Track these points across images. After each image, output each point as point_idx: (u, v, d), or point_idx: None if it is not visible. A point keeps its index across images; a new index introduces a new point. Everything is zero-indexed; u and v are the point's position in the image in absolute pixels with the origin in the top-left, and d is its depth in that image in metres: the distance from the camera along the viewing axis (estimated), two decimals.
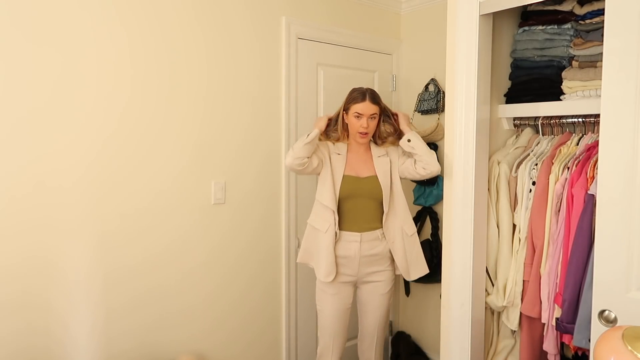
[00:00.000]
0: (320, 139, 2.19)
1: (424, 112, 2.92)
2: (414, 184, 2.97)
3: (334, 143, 2.23)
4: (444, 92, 2.74)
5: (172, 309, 2.25)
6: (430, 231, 2.88)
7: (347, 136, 2.22)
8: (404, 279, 3.01)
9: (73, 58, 1.93)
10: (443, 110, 2.72)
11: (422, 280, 2.87)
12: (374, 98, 2.16)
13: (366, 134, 2.15)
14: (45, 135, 1.89)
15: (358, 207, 2.16)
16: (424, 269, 2.24)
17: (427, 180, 2.82)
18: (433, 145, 2.89)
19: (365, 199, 2.16)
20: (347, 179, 2.16)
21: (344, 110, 2.20)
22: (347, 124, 2.20)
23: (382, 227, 2.18)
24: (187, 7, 2.22)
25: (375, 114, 2.15)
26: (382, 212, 2.18)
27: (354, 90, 2.19)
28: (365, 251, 2.15)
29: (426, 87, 2.92)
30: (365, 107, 2.12)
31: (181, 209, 2.25)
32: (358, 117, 2.13)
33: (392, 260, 2.23)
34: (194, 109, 2.27)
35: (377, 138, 2.24)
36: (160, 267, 2.20)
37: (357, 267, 2.15)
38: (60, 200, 1.93)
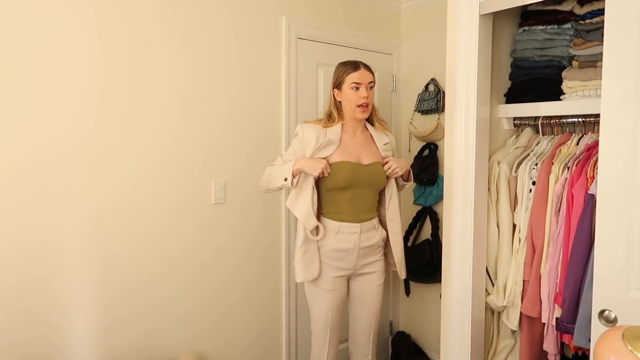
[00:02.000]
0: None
1: (424, 112, 2.93)
2: (414, 184, 2.97)
3: (326, 130, 2.03)
4: (444, 92, 2.74)
5: (171, 311, 2.25)
6: (430, 231, 2.88)
7: (342, 116, 2.07)
8: (404, 278, 3.02)
9: (81, 45, 1.93)
10: (443, 110, 2.72)
11: (422, 280, 2.89)
12: (368, 66, 2.04)
13: (367, 105, 2.01)
14: (41, 129, 1.89)
15: (358, 196, 2.03)
16: (404, 272, 2.21)
17: (427, 180, 2.84)
18: (433, 145, 2.90)
19: (366, 188, 2.04)
20: (345, 165, 1.99)
21: (335, 88, 2.05)
22: (339, 103, 2.06)
23: (377, 216, 2.12)
24: (188, 7, 2.22)
25: (372, 82, 2.02)
26: (378, 200, 2.11)
27: (342, 64, 2.06)
28: (363, 242, 2.05)
29: (426, 87, 2.92)
30: (362, 75, 2.00)
31: (181, 209, 2.25)
32: (356, 87, 1.99)
33: (383, 249, 2.16)
34: (194, 108, 2.27)
35: (374, 115, 2.13)
36: (158, 265, 2.20)
37: (355, 259, 2.05)
38: (57, 199, 1.94)
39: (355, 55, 2.83)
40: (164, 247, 2.21)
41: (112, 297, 2.08)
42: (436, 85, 2.86)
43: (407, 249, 2.94)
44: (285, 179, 1.97)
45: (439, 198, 2.80)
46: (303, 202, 2.00)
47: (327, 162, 1.98)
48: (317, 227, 2.02)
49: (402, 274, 2.21)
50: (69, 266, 1.97)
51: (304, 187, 2.02)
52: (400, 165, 2.09)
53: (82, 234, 1.99)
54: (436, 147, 2.90)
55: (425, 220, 2.97)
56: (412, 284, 3.04)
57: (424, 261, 2.78)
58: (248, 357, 2.53)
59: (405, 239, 2.99)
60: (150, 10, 2.11)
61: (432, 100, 2.86)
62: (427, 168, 2.84)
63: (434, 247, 2.79)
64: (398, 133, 3.12)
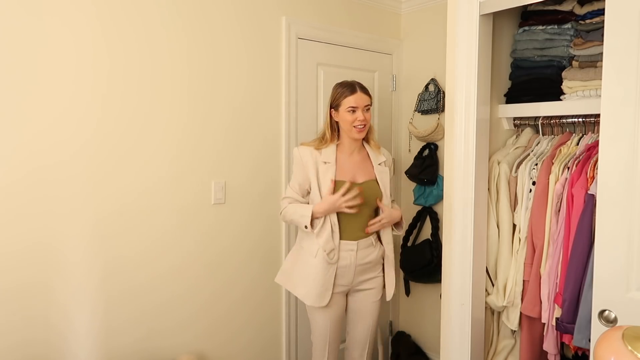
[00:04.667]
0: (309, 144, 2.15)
1: (424, 112, 2.93)
2: (414, 184, 2.97)
3: (320, 151, 2.08)
4: (444, 92, 2.74)
5: (172, 313, 2.25)
6: (430, 231, 2.88)
7: (338, 137, 2.11)
8: (404, 278, 3.02)
9: (82, 45, 1.93)
10: (443, 110, 2.72)
11: (422, 280, 2.89)
12: (365, 89, 2.08)
13: (364, 126, 2.05)
14: (43, 134, 1.89)
15: (354, 214, 2.04)
16: (391, 293, 2.19)
17: (427, 180, 2.84)
18: (433, 145, 2.90)
19: (362, 206, 2.05)
20: (342, 185, 2.02)
21: (332, 108, 2.10)
22: (335, 123, 2.10)
23: (375, 233, 2.14)
24: (189, 8, 2.22)
25: (369, 105, 2.07)
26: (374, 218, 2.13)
27: (339, 85, 2.10)
28: (360, 259, 2.07)
29: (426, 87, 2.92)
30: (359, 99, 2.03)
31: (182, 211, 2.25)
32: (352, 111, 2.03)
33: (383, 266, 2.18)
34: (194, 108, 2.27)
35: (370, 134, 2.17)
36: (156, 263, 2.20)
37: (353, 276, 2.08)
38: (57, 199, 1.94)
39: (355, 55, 2.85)
40: (165, 248, 2.21)
41: (112, 300, 2.07)
42: (436, 85, 2.86)
43: (407, 249, 2.95)
44: (306, 227, 2.00)
45: (439, 198, 2.80)
46: (315, 286, 2.03)
47: (345, 192, 1.98)
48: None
49: (388, 296, 2.19)
50: (70, 268, 1.97)
51: (309, 272, 2.06)
52: (390, 218, 2.11)
53: (83, 236, 1.99)
54: (436, 147, 2.90)
55: (425, 220, 2.97)
56: (412, 284, 3.04)
57: (424, 261, 2.79)
58: (248, 356, 2.54)
59: (405, 239, 2.99)
60: (153, 11, 2.11)
61: (432, 100, 2.86)
62: (427, 168, 2.84)
63: (434, 247, 2.79)
64: (398, 133, 3.12)
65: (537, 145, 2.14)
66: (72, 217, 1.96)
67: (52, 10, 1.87)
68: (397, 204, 2.34)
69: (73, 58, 1.93)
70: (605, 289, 1.49)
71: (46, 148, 1.89)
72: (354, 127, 2.04)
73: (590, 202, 1.72)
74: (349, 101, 2.03)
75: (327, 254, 2.01)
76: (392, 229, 2.20)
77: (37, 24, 1.84)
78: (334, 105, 2.09)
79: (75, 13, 1.92)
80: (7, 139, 1.81)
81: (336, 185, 2.02)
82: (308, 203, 2.10)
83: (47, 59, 1.87)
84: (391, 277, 2.19)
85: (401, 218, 2.19)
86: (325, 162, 2.05)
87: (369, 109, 2.08)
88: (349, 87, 2.06)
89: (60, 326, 1.96)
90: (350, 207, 1.97)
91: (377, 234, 2.17)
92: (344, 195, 1.97)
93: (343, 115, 2.06)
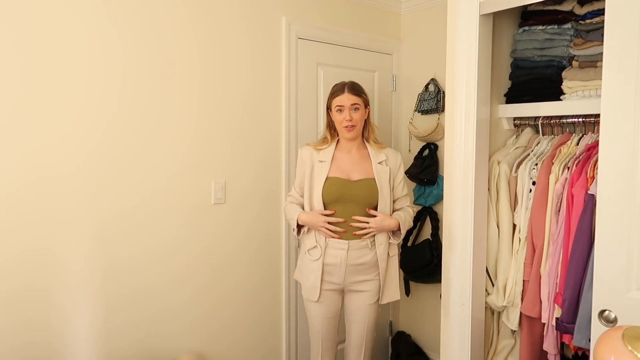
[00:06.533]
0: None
1: (424, 112, 2.93)
2: (414, 184, 2.97)
3: (319, 151, 2.15)
4: (444, 92, 2.74)
5: (168, 309, 2.25)
6: (430, 231, 2.88)
7: (337, 135, 2.18)
8: (404, 278, 3.02)
9: (80, 54, 1.93)
10: (443, 110, 2.72)
11: (422, 280, 2.89)
12: (354, 89, 2.12)
13: (352, 126, 2.08)
14: (43, 134, 1.89)
15: (347, 213, 2.06)
16: (396, 294, 2.19)
17: (427, 180, 2.84)
18: (433, 145, 2.90)
19: (355, 204, 2.07)
20: (333, 181, 2.07)
21: (328, 109, 2.17)
22: (333, 122, 2.16)
23: (373, 236, 2.10)
24: (189, 7, 2.22)
25: (357, 104, 2.09)
26: None
27: (334, 86, 2.16)
28: (352, 260, 2.07)
29: (426, 87, 2.92)
30: (345, 98, 2.08)
31: (181, 209, 2.25)
32: (340, 110, 2.09)
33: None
34: (194, 108, 2.26)
35: (370, 133, 2.20)
36: (158, 266, 2.20)
37: (343, 275, 2.09)
38: (58, 201, 1.93)
39: (355, 55, 2.85)
40: (167, 253, 2.21)
41: (113, 304, 2.07)
42: (436, 85, 2.86)
43: (407, 249, 2.95)
44: (294, 229, 2.16)
45: (439, 198, 2.80)
46: (308, 281, 2.14)
47: (327, 222, 2.04)
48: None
49: (382, 299, 2.16)
50: (71, 272, 1.96)
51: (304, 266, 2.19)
52: (378, 226, 2.06)
53: (84, 239, 1.99)
54: (436, 147, 2.90)
55: (425, 220, 2.97)
56: (412, 284, 3.04)
57: (424, 261, 2.78)
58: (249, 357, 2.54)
59: (405, 239, 2.99)
60: (149, 13, 2.11)
61: (432, 100, 2.86)
62: (427, 168, 2.84)
63: (434, 247, 2.79)
64: (398, 133, 3.12)
65: (537, 145, 2.14)
66: (74, 220, 1.96)
67: (62, 17, 1.88)
68: (410, 205, 2.25)
69: (83, 76, 1.95)
70: (605, 289, 1.49)
71: (48, 154, 1.89)
72: (343, 127, 2.10)
73: (590, 202, 1.72)
74: (336, 101, 2.11)
75: (308, 251, 2.11)
76: (390, 237, 2.14)
77: (48, 31, 1.85)
78: (328, 105, 2.18)
79: (86, 21, 1.93)
80: (9, 143, 1.81)
81: (327, 182, 2.07)
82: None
83: (57, 60, 1.88)
84: (388, 279, 2.15)
85: (398, 227, 2.11)
86: (321, 161, 2.12)
87: (357, 108, 2.10)
88: (339, 87, 2.13)
89: (61, 330, 1.96)
90: (329, 231, 2.04)
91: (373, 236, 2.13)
92: (329, 218, 2.04)
93: (334, 115, 2.14)
